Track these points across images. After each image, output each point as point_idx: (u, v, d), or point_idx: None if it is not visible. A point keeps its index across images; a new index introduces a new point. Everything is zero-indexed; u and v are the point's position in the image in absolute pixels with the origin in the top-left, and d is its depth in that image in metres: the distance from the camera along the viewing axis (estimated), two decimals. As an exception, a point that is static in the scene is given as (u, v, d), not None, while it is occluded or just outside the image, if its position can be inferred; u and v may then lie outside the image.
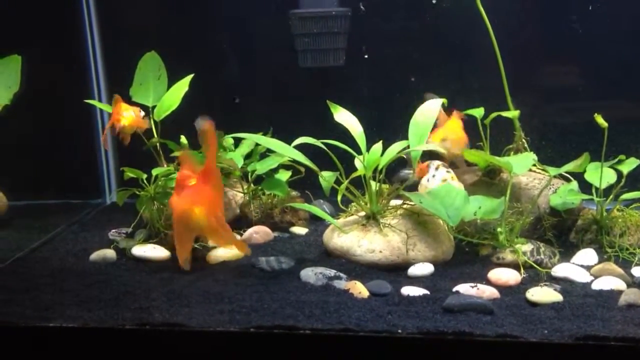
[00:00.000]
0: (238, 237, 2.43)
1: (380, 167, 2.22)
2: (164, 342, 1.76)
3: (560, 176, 2.36)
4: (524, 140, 2.44)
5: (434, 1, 2.70)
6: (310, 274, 2.03)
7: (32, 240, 2.51)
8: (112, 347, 1.78)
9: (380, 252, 2.12)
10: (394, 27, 2.83)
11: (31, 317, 1.82)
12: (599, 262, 2.14)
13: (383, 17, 2.83)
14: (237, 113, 2.98)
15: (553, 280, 2.02)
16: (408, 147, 2.23)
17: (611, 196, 2.27)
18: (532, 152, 2.34)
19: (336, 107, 2.34)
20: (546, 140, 2.65)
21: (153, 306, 1.86)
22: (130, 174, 2.41)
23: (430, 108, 2.28)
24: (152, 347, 1.77)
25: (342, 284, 1.98)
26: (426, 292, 1.92)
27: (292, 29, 2.80)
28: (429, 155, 2.36)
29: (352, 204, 2.35)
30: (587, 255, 2.18)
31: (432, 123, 2.24)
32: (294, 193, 2.61)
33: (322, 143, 2.22)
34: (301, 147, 2.24)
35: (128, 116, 2.36)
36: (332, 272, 2.04)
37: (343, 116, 2.33)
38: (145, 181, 2.42)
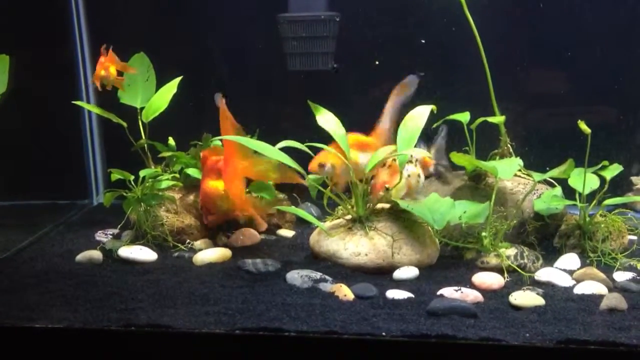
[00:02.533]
0: (225, 238, 2.45)
1: (366, 171, 2.23)
2: (150, 344, 1.76)
3: (545, 181, 2.39)
4: (509, 145, 2.47)
5: (422, 40, 2.74)
6: (296, 277, 2.05)
7: (18, 240, 2.50)
8: (98, 348, 1.78)
9: (366, 255, 2.14)
10: (381, 32, 2.85)
11: (17, 317, 1.82)
12: (582, 266, 2.17)
13: (371, 23, 2.85)
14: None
15: (536, 284, 2.04)
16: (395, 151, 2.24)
17: (594, 202, 2.30)
18: (517, 157, 2.36)
19: (319, 109, 2.31)
20: (530, 146, 2.68)
21: (139, 307, 1.86)
22: (117, 175, 2.41)
23: (420, 113, 2.29)
24: (138, 349, 1.78)
25: (328, 286, 1.99)
26: (411, 295, 1.94)
27: (281, 32, 2.81)
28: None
29: (339, 207, 2.36)
30: (569, 260, 2.21)
31: (421, 127, 2.26)
32: (281, 196, 2.62)
33: (308, 146, 2.22)
34: (288, 150, 2.24)
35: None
36: (318, 275, 2.05)
37: (325, 119, 2.31)
38: (132, 182, 2.42)
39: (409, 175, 2.19)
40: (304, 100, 2.28)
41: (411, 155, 2.21)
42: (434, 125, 2.37)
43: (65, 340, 1.78)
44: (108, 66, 2.46)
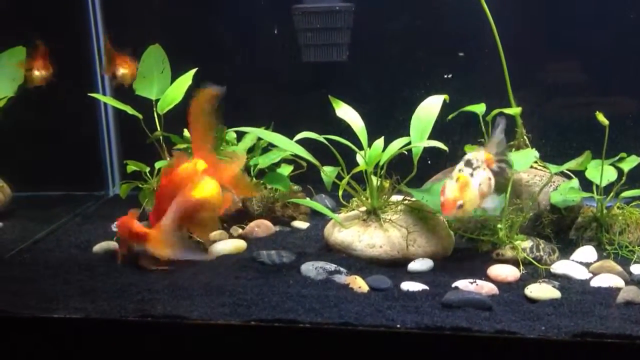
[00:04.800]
0: (240, 230, 2.46)
1: (381, 163, 2.23)
2: (166, 334, 1.78)
3: (561, 173, 2.37)
4: (525, 137, 2.45)
5: (461, 54, 2.71)
6: (311, 268, 2.05)
7: (35, 231, 2.53)
8: (115, 338, 1.80)
9: (381, 247, 2.14)
10: (397, 24, 2.84)
11: (35, 307, 1.84)
12: (598, 259, 2.15)
13: (386, 14, 2.83)
14: (240, 107, 2.99)
15: (552, 277, 2.03)
16: (409, 143, 2.24)
17: (612, 194, 2.27)
18: (533, 149, 2.35)
19: (338, 102, 2.35)
20: (547, 138, 2.66)
21: (155, 298, 1.88)
22: (133, 166, 2.43)
23: (432, 104, 2.28)
24: (154, 339, 1.79)
25: (342, 278, 2.00)
26: (425, 287, 1.93)
27: (296, 23, 2.81)
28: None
29: (353, 198, 2.36)
30: (586, 253, 2.19)
31: (435, 118, 2.25)
32: (295, 187, 2.63)
33: (324, 138, 2.23)
34: (303, 142, 2.25)
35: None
36: (332, 267, 2.06)
37: (344, 111, 2.34)
38: (148, 174, 2.43)
39: (480, 184, 1.86)
40: (318, 92, 2.28)
41: (477, 159, 1.88)
42: (449, 117, 2.36)
43: (82, 330, 1.79)
44: (126, 66, 2.59)
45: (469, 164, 1.86)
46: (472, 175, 1.85)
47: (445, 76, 2.70)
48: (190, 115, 2.06)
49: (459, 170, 1.86)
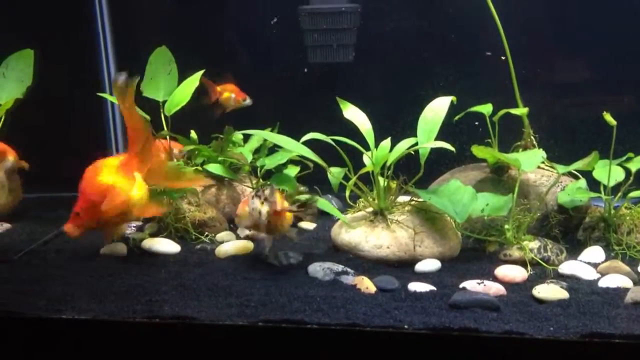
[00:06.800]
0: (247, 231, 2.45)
1: (388, 164, 2.23)
2: (173, 335, 1.78)
3: (569, 174, 2.37)
4: (532, 137, 2.45)
5: (488, 53, 2.70)
6: (318, 269, 2.05)
7: (44, 232, 2.54)
8: (122, 339, 1.80)
9: (388, 248, 2.14)
10: (403, 25, 2.84)
11: (43, 309, 1.85)
12: (606, 259, 2.15)
13: (393, 15, 2.83)
14: (247, 108, 2.99)
15: (560, 277, 2.03)
16: (416, 144, 2.24)
17: (619, 194, 2.27)
18: (540, 149, 2.34)
19: (345, 104, 2.35)
20: (554, 138, 2.65)
21: (163, 299, 1.88)
22: (140, 168, 2.43)
23: (440, 105, 2.28)
24: (162, 340, 1.80)
25: (350, 279, 2.00)
26: (433, 288, 1.93)
27: (302, 24, 2.81)
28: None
29: (360, 199, 2.36)
30: (594, 253, 2.19)
31: (442, 119, 2.25)
32: (302, 188, 2.63)
33: (331, 139, 2.23)
34: (310, 143, 2.25)
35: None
36: (339, 268, 2.06)
37: (352, 113, 2.34)
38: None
39: (251, 208, 2.05)
40: (325, 93, 2.29)
41: (263, 194, 2.04)
42: (456, 118, 2.36)
43: (90, 331, 1.80)
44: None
45: (258, 191, 2.07)
46: (252, 198, 2.07)
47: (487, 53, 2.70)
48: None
49: (253, 190, 2.20)
